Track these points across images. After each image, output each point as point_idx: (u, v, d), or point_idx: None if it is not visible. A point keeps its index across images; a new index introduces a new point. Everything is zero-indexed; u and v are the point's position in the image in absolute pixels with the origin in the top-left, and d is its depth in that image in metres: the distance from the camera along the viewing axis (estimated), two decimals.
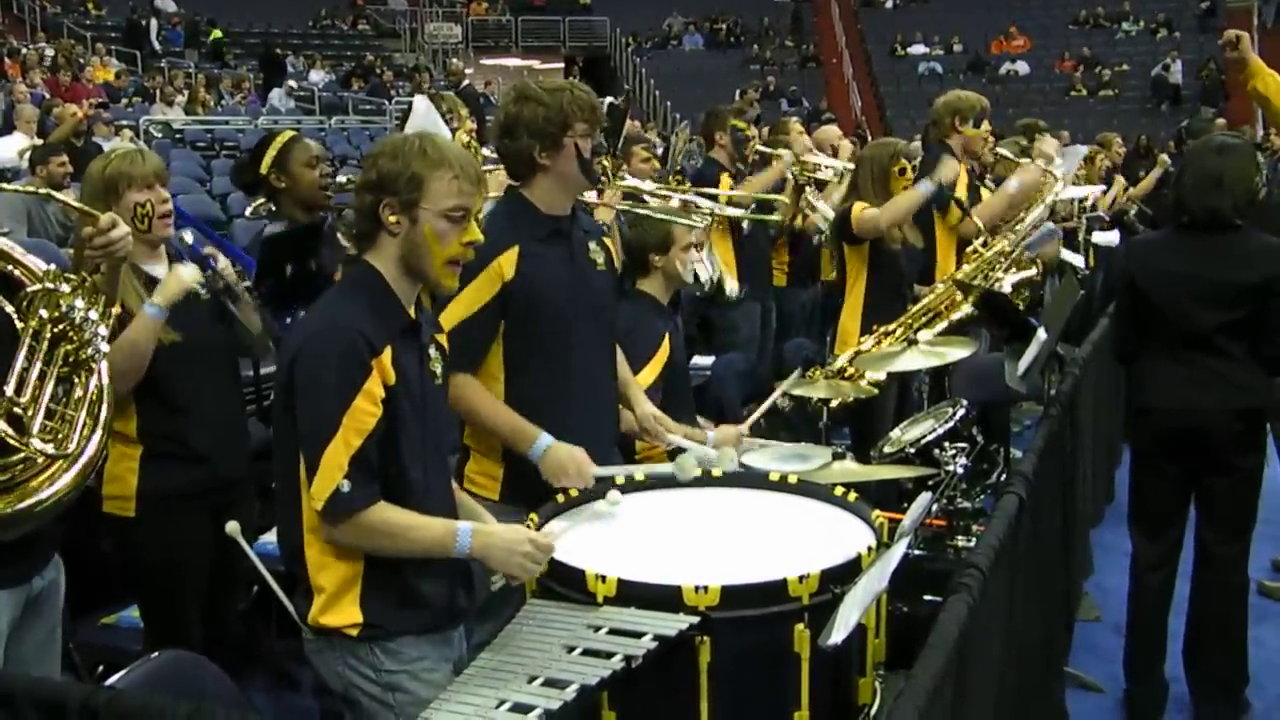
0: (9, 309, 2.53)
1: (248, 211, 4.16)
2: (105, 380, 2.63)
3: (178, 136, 15.15)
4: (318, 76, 21.48)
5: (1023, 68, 25.61)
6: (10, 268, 2.59)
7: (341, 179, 4.25)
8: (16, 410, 2.45)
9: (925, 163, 5.56)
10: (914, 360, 4.14)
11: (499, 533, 2.40)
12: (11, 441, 2.43)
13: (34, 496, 2.45)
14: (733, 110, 7.08)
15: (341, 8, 27.02)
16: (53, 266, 2.60)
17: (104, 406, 2.61)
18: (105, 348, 2.62)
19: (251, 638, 3.87)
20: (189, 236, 3.43)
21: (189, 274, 3.14)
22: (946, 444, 3.83)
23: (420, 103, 4.50)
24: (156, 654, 2.34)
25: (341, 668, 2.44)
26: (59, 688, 2.06)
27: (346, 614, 2.40)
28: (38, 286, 2.54)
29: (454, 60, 21.57)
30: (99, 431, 2.58)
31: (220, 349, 3.33)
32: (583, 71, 26.25)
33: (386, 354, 2.33)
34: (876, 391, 4.58)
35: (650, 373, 3.68)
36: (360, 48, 25.22)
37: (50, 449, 2.47)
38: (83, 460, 2.53)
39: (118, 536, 3.20)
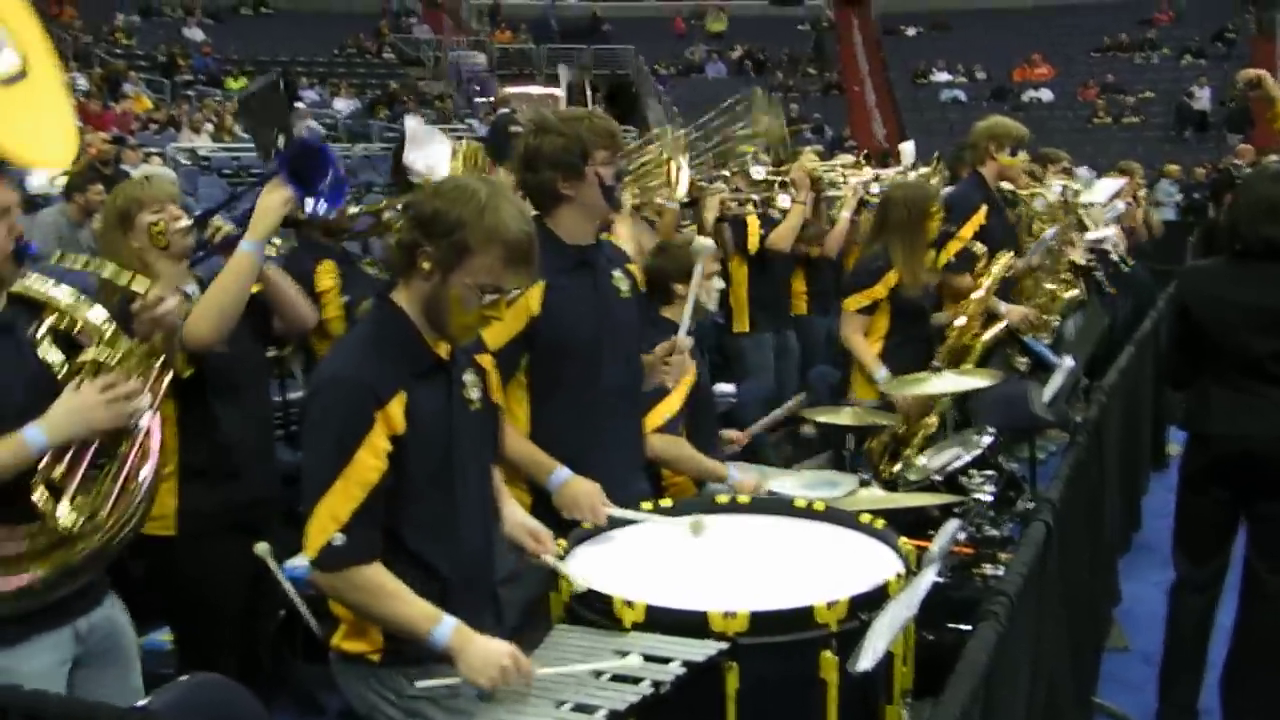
0: (60, 374, 2.55)
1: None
2: (153, 447, 2.64)
3: (205, 164, 15.28)
4: (342, 104, 21.65)
5: (1046, 95, 25.59)
6: (75, 328, 2.61)
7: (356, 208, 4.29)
8: (52, 480, 2.47)
9: (955, 192, 5.56)
10: (941, 385, 4.13)
11: (482, 640, 2.28)
12: (44, 511, 2.45)
13: (67, 563, 2.48)
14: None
15: (367, 36, 27.25)
16: (111, 328, 2.61)
17: (143, 477, 2.61)
18: (146, 420, 2.62)
19: (278, 662, 3.88)
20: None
21: (277, 199, 3.08)
22: (973, 471, 3.82)
23: (411, 122, 4.41)
24: (187, 676, 2.34)
25: (365, 690, 2.44)
26: (91, 709, 2.07)
27: (369, 639, 2.41)
28: (89, 356, 2.56)
29: (504, 89, 21.63)
30: (139, 500, 2.59)
31: (255, 368, 3.37)
32: (606, 100, 26.35)
33: (396, 402, 2.31)
34: (903, 421, 4.57)
35: (676, 400, 3.68)
36: (385, 75, 25.43)
37: (77, 521, 2.47)
38: (116, 529, 2.55)
39: (155, 558, 3.22)
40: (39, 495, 2.43)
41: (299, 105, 19.72)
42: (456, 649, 2.26)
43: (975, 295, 4.99)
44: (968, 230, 5.22)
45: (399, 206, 4.03)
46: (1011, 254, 5.18)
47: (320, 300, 4.08)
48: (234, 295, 3.06)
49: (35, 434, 2.42)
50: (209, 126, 17.01)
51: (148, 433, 2.64)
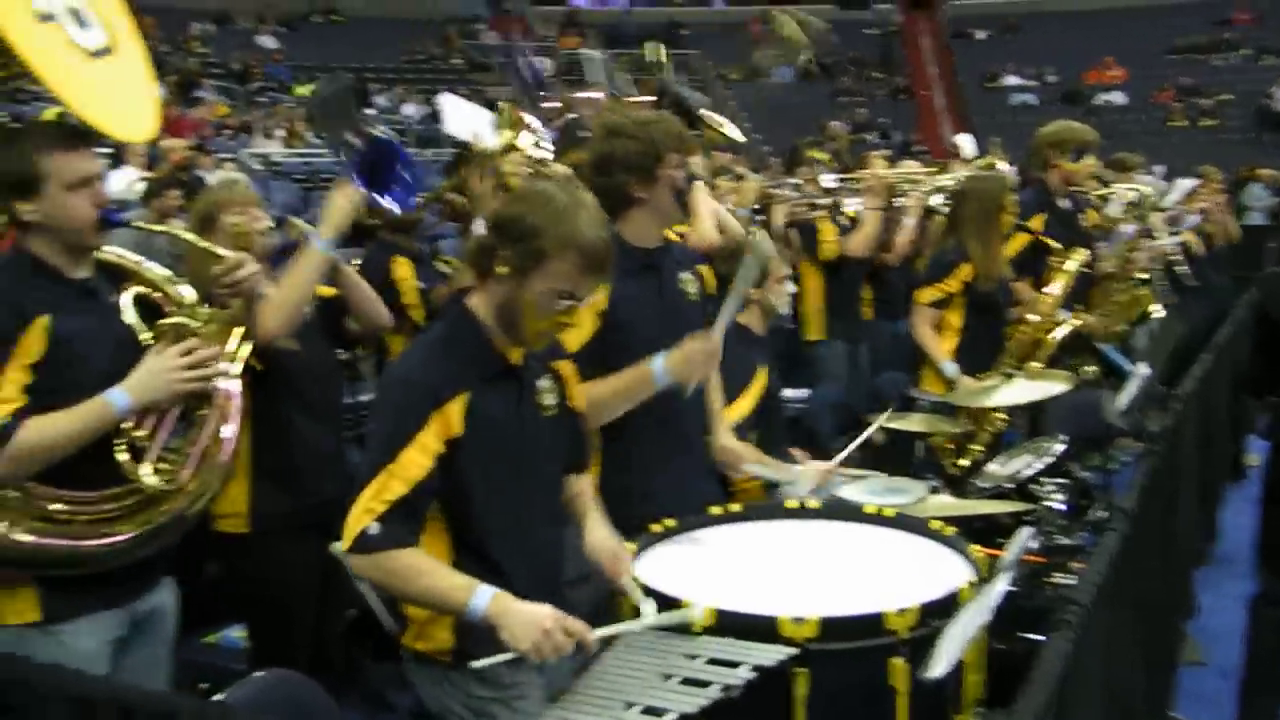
0: (145, 337, 2.62)
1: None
2: (233, 410, 2.70)
3: (276, 169, 15.51)
4: (411, 109, 21.87)
5: (1119, 98, 25.14)
6: (157, 296, 2.69)
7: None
8: (136, 442, 2.54)
9: (1024, 197, 5.48)
10: (1012, 394, 4.08)
11: (522, 605, 2.25)
12: (128, 472, 2.52)
13: (152, 524, 2.54)
14: (808, 143, 7.05)
15: (435, 42, 27.51)
16: (192, 297, 2.69)
17: (225, 439, 2.67)
18: (224, 384, 2.69)
19: (348, 660, 3.93)
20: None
21: (344, 198, 3.16)
22: (1044, 479, 3.77)
23: (445, 98, 4.36)
24: (263, 672, 2.38)
25: (438, 691, 2.47)
26: (174, 701, 2.11)
27: (439, 639, 2.44)
28: (171, 320, 2.63)
29: (569, 94, 21.74)
30: (221, 463, 2.65)
31: (328, 371, 3.42)
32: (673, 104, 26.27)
33: (457, 404, 2.33)
34: (972, 427, 4.52)
35: (746, 404, 3.67)
36: (453, 81, 25.61)
37: (161, 482, 2.54)
38: (198, 491, 2.61)
39: (230, 556, 3.27)
40: (123, 457, 2.50)
41: (369, 112, 19.99)
42: (496, 616, 2.24)
43: (1051, 291, 4.92)
44: (1036, 223, 5.16)
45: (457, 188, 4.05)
46: (1086, 251, 5.11)
47: (397, 288, 4.08)
48: (302, 290, 3.10)
49: (119, 396, 2.49)
50: (280, 132, 17.28)
51: (228, 396, 2.70)
